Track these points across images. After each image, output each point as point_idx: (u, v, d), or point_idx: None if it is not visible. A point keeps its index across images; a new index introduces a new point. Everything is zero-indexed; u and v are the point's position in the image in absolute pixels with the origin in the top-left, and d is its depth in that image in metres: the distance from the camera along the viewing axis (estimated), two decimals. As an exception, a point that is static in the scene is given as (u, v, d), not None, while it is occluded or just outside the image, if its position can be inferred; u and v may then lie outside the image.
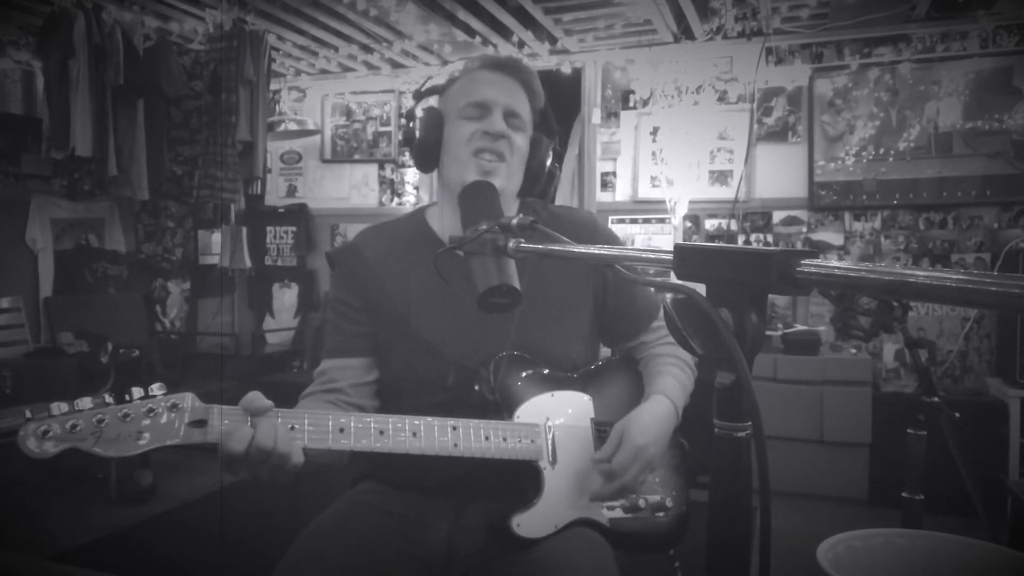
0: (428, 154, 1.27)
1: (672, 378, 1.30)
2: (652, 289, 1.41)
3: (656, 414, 1.23)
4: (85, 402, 0.88)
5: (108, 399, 0.89)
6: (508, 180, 1.24)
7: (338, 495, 1.28)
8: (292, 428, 0.98)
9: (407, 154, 4.69)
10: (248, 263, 4.66)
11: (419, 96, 1.32)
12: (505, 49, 4.06)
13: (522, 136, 1.26)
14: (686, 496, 1.31)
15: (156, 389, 0.92)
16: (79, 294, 4.40)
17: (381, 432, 1.04)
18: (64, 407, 0.87)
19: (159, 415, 0.91)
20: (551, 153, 1.30)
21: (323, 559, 1.09)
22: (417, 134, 1.26)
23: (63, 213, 4.44)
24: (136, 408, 0.89)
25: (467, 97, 1.24)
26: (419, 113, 1.27)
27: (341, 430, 1.01)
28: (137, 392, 0.91)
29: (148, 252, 5.00)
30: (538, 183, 1.30)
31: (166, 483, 3.46)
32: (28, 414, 0.85)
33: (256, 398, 0.96)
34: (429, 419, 1.07)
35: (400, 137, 4.77)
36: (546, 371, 1.24)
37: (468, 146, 1.22)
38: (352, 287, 1.29)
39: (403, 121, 4.67)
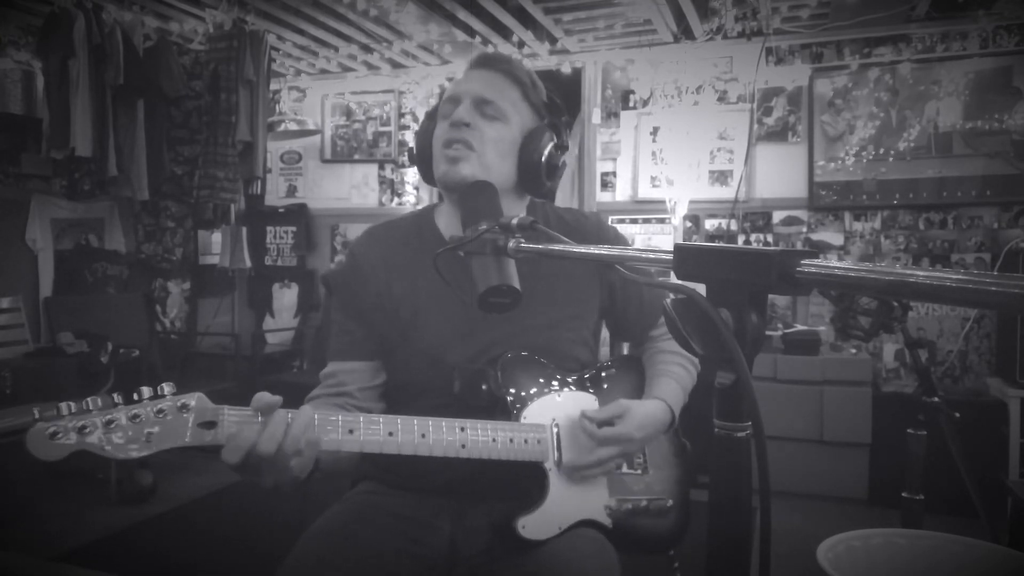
0: (422, 161, 1.29)
1: (675, 381, 1.30)
2: None
3: (656, 418, 1.23)
4: (94, 402, 0.83)
5: (117, 399, 0.85)
6: (482, 169, 1.20)
7: (340, 496, 1.27)
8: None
9: (407, 156, 4.74)
10: (248, 263, 4.66)
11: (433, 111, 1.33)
12: (505, 49, 4.05)
13: (499, 125, 1.22)
14: (688, 497, 1.31)
15: (166, 388, 0.88)
16: (79, 294, 4.39)
17: (390, 433, 1.03)
18: (73, 407, 0.82)
19: (168, 416, 0.87)
20: (551, 144, 1.24)
21: (326, 560, 1.09)
22: (414, 148, 1.29)
23: (63, 213, 4.43)
24: (146, 409, 0.86)
25: (446, 96, 1.26)
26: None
27: (351, 431, 1.00)
28: (146, 392, 0.87)
29: (148, 252, 4.99)
30: (535, 175, 1.24)
31: (166, 483, 3.46)
32: (36, 414, 0.80)
33: (263, 397, 0.94)
34: (438, 420, 1.06)
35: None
36: (553, 371, 1.24)
37: (440, 140, 1.23)
38: (351, 307, 1.29)
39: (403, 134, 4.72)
